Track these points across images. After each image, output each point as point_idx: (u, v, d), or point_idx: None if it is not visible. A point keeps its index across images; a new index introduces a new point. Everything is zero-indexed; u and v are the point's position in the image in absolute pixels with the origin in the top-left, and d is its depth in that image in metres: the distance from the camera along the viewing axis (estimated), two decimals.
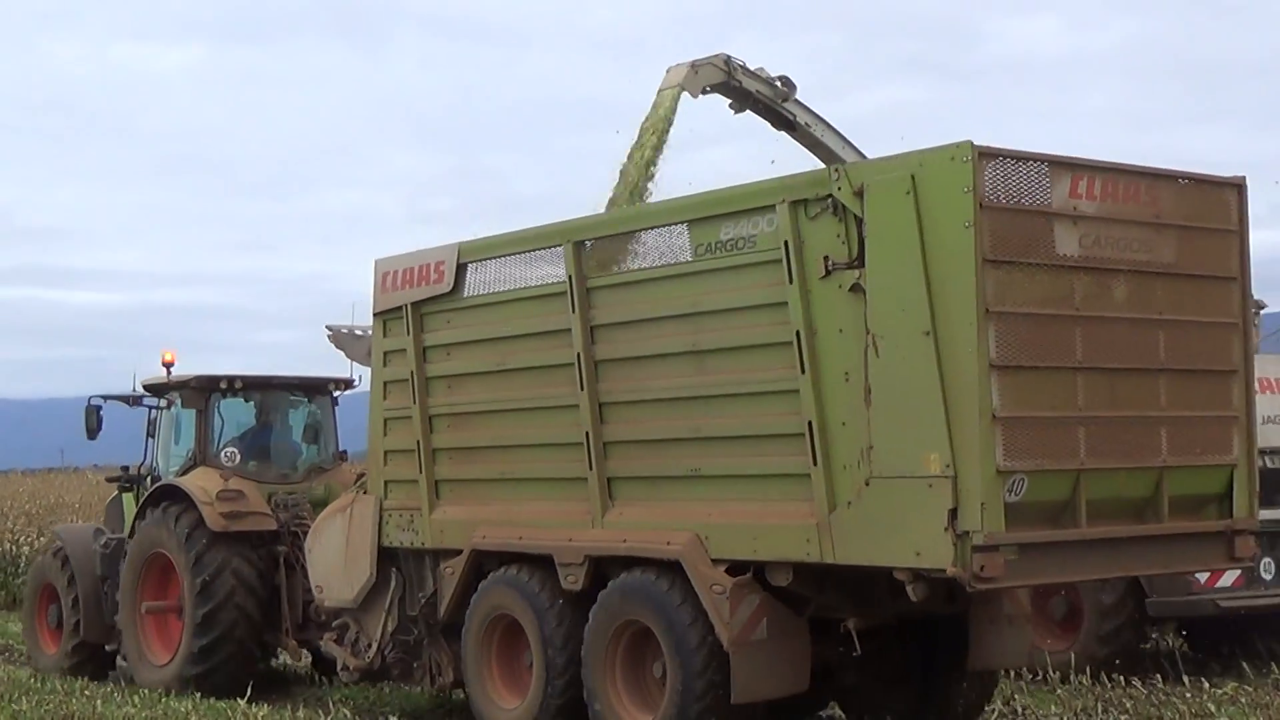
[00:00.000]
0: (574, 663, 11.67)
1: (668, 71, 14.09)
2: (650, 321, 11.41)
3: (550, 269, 12.13)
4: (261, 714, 13.34)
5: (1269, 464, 15.33)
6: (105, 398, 17.66)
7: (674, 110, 13.92)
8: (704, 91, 14.25)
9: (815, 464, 10.22)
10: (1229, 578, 14.94)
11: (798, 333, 10.28)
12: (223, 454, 16.59)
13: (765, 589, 10.75)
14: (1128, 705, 13.26)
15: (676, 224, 11.33)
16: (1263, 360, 15.97)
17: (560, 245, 11.95)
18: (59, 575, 17.73)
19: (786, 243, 10.33)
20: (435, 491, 13.21)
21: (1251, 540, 10.99)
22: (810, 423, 10.23)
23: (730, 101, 14.67)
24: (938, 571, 9.62)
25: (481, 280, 12.84)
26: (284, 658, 17.40)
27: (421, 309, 13.25)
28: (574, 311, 11.78)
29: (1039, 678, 14.37)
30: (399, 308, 13.42)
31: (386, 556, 13.73)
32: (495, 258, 12.72)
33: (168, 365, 17.04)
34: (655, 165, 13.73)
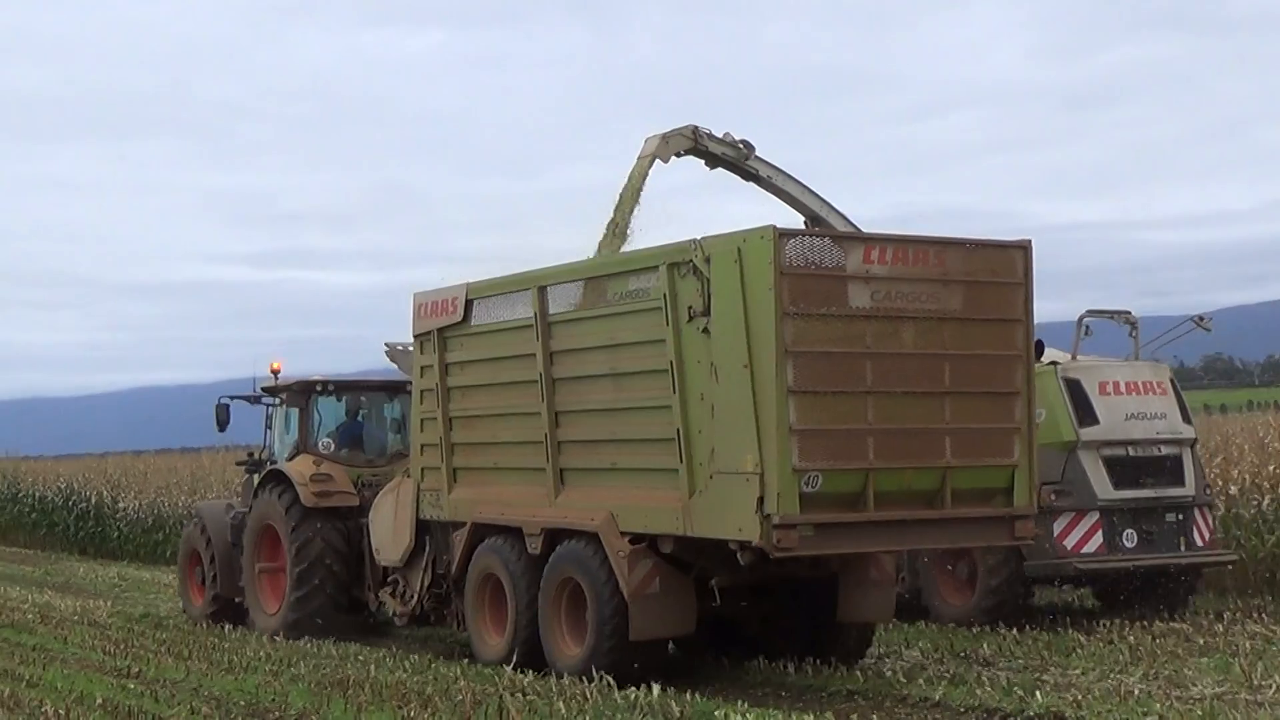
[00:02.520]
0: (534, 609, 15.24)
1: (645, 141, 17.47)
2: (588, 350, 14.94)
3: (524, 307, 15.72)
4: (526, 681, 14.29)
5: (1130, 453, 18.10)
6: (232, 398, 21.64)
7: (645, 175, 17.28)
8: (676, 155, 17.57)
9: (681, 462, 13.67)
10: (1093, 544, 17.80)
11: (671, 363, 13.72)
12: (320, 443, 20.40)
13: (658, 555, 14.19)
14: None
15: (604, 276, 14.87)
16: (1135, 366, 18.75)
17: (530, 289, 15.54)
18: (200, 542, 21.67)
19: (665, 295, 13.77)
20: (453, 476, 16.92)
21: (1030, 523, 14.00)
22: (678, 431, 13.68)
23: (704, 161, 17.98)
24: (748, 542, 12.99)
25: (482, 313, 16.49)
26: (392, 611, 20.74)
27: (444, 333, 16.95)
28: (538, 340, 15.37)
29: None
30: (429, 332, 17.15)
31: (423, 527, 17.55)
32: (490, 296, 16.35)
33: (275, 373, 21.02)
34: (630, 220, 17.16)
